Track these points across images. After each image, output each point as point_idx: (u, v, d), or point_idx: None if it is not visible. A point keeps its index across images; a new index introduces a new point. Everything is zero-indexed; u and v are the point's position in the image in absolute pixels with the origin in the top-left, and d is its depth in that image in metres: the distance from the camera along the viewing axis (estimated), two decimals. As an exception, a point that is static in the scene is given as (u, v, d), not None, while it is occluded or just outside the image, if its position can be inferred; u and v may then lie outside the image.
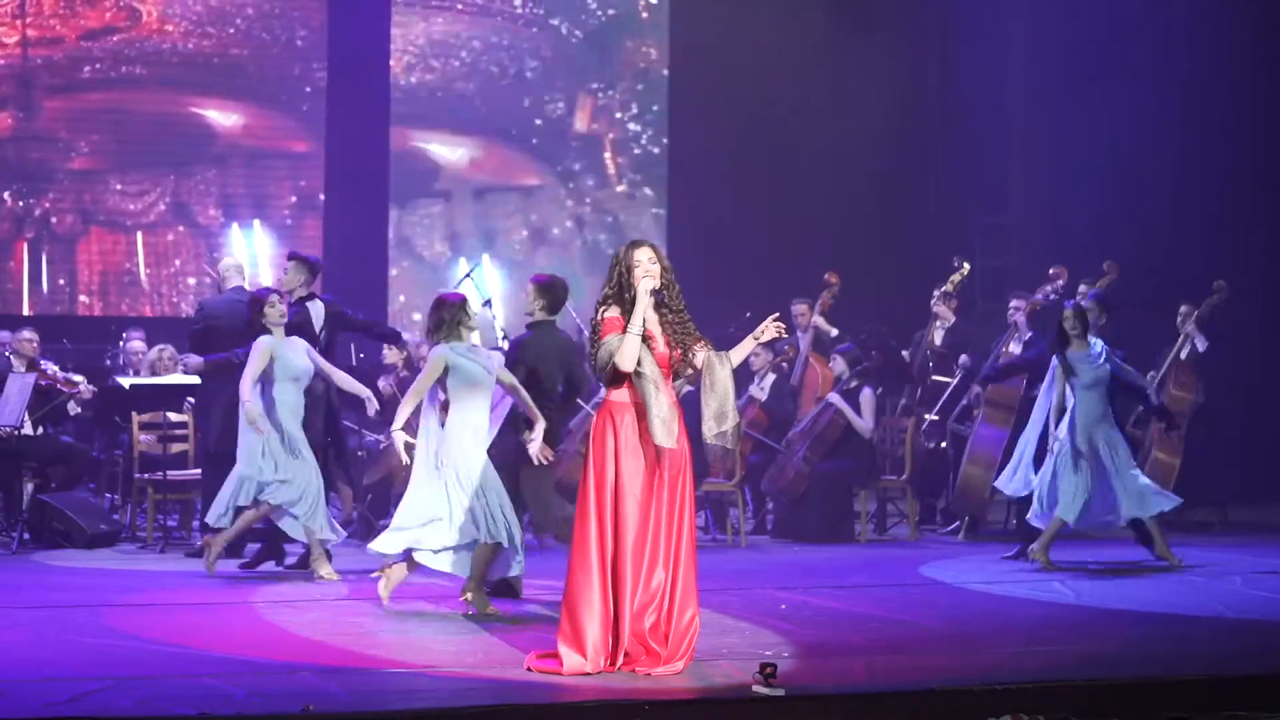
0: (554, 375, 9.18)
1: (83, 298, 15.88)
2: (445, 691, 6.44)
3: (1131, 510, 10.32)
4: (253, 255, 15.30)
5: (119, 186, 15.91)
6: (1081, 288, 12.87)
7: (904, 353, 12.93)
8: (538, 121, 17.24)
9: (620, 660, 6.69)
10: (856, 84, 16.22)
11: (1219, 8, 15.06)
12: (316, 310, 10.39)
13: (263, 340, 9.58)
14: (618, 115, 17.51)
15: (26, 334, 11.54)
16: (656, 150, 17.53)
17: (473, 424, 8.39)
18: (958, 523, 12.19)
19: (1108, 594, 9.28)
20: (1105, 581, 9.84)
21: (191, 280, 16.03)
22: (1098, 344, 10.41)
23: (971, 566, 10.47)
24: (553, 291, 9.24)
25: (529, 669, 6.76)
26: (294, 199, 16.37)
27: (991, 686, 6.40)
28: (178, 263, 16.06)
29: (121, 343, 13.39)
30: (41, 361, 11.54)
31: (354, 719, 6.02)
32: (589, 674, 6.62)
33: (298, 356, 9.65)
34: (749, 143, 16.68)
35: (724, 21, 16.68)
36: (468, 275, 13.88)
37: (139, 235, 15.94)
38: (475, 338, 8.77)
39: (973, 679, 6.54)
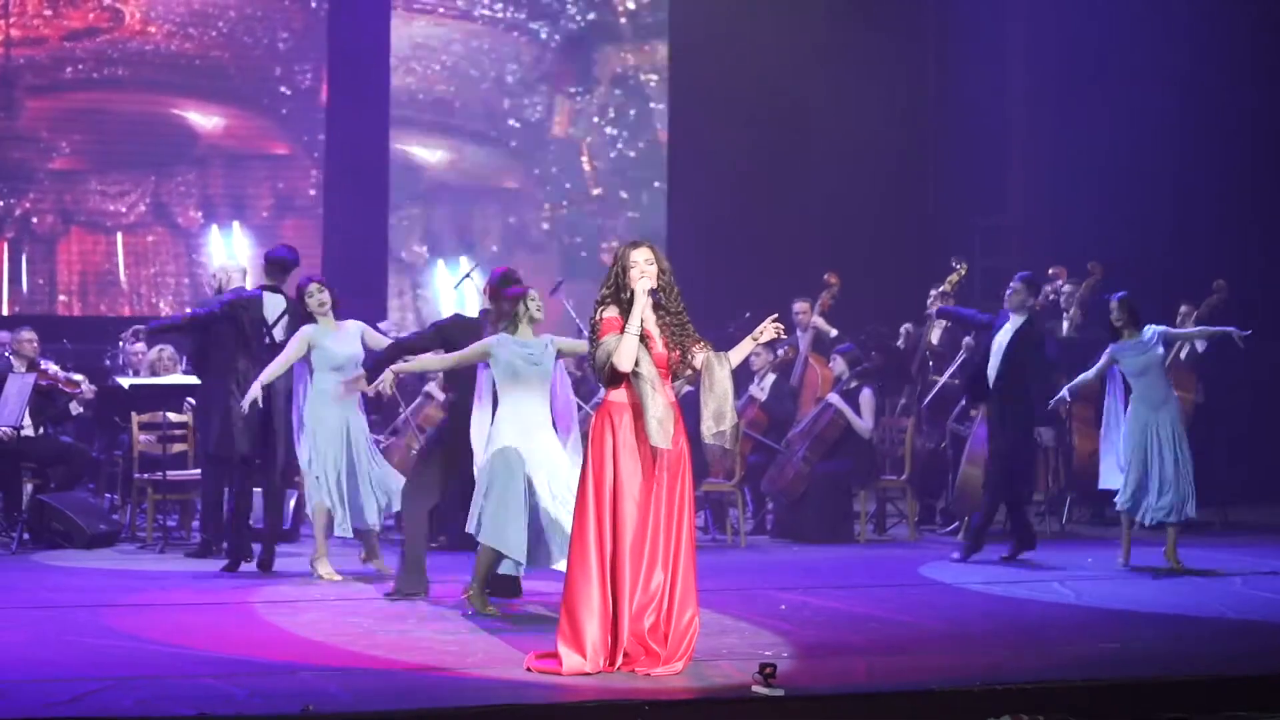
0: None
1: (62, 297, 15.84)
2: (445, 691, 6.44)
3: (1158, 516, 10.32)
4: (232, 256, 15.29)
5: (99, 187, 15.88)
6: (1067, 288, 12.87)
7: (904, 326, 12.93)
8: (516, 125, 17.26)
9: (620, 660, 6.69)
10: (856, 84, 16.21)
11: (1219, 8, 15.06)
12: (273, 301, 10.28)
13: (304, 329, 9.59)
14: (595, 120, 17.53)
15: (26, 334, 11.51)
16: (633, 154, 17.55)
17: (520, 417, 8.23)
18: (957, 523, 12.18)
19: (1108, 594, 9.28)
20: (1105, 581, 9.83)
21: (171, 280, 16.03)
22: (1149, 329, 10.42)
23: (971, 567, 10.47)
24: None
25: (529, 669, 6.76)
26: (273, 201, 16.36)
27: (991, 686, 6.39)
28: (157, 264, 16.04)
29: (121, 343, 13.38)
30: (42, 361, 11.53)
31: (354, 719, 6.02)
32: (588, 674, 6.61)
33: (341, 345, 9.61)
34: (749, 143, 16.67)
35: (724, 21, 16.68)
36: (466, 276, 13.88)
37: (119, 236, 15.91)
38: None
39: (973, 679, 6.53)
